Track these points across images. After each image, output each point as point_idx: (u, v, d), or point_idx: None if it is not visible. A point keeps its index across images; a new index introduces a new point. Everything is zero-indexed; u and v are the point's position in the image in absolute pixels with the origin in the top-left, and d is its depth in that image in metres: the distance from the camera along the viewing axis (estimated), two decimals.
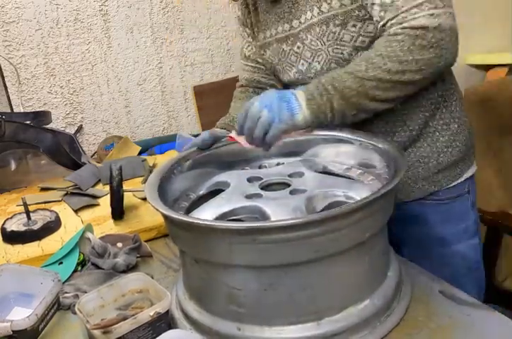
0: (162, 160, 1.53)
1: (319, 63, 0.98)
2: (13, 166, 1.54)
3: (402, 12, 0.83)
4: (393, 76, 0.83)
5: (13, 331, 0.76)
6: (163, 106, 1.99)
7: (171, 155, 1.55)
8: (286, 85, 1.12)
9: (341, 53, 0.95)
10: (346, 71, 0.86)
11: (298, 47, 1.00)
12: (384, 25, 0.86)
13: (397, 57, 0.82)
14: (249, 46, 1.18)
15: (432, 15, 0.82)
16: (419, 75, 0.83)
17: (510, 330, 0.70)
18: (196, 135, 1.86)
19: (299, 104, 0.83)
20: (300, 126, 0.84)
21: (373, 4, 0.86)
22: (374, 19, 0.88)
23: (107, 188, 1.27)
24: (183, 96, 2.02)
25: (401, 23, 0.83)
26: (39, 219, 1.16)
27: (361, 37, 0.92)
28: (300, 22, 0.97)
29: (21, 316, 0.78)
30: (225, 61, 2.07)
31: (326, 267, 0.67)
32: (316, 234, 0.63)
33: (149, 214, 1.16)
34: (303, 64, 1.01)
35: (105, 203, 1.23)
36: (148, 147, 1.80)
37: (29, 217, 1.15)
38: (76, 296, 0.88)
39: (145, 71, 1.92)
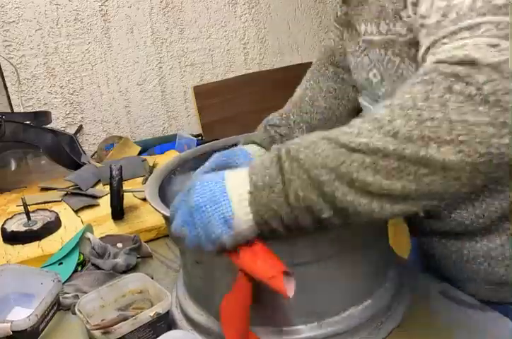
0: (162, 160, 1.52)
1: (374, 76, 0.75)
2: (13, 166, 1.53)
3: (445, 36, 0.51)
4: (401, 146, 0.47)
5: (13, 331, 0.76)
6: (162, 106, 1.98)
7: (171, 155, 1.55)
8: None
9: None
10: (324, 136, 0.52)
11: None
12: (423, 58, 0.55)
13: (415, 110, 0.47)
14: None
15: (494, 46, 0.47)
16: (458, 155, 0.46)
17: (510, 331, 0.70)
18: (196, 136, 1.88)
19: (231, 205, 0.54)
20: (244, 236, 0.55)
21: (421, 26, 0.55)
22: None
23: (107, 188, 1.27)
24: (183, 96, 2.01)
25: (434, 54, 0.51)
26: (39, 219, 1.16)
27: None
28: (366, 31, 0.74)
29: (21, 316, 0.78)
30: (225, 61, 2.07)
31: (326, 268, 0.67)
32: (316, 234, 0.63)
33: (149, 214, 1.16)
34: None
35: (105, 203, 1.23)
36: (148, 147, 1.80)
37: (29, 218, 1.15)
38: (76, 297, 0.88)
39: (145, 71, 1.92)
